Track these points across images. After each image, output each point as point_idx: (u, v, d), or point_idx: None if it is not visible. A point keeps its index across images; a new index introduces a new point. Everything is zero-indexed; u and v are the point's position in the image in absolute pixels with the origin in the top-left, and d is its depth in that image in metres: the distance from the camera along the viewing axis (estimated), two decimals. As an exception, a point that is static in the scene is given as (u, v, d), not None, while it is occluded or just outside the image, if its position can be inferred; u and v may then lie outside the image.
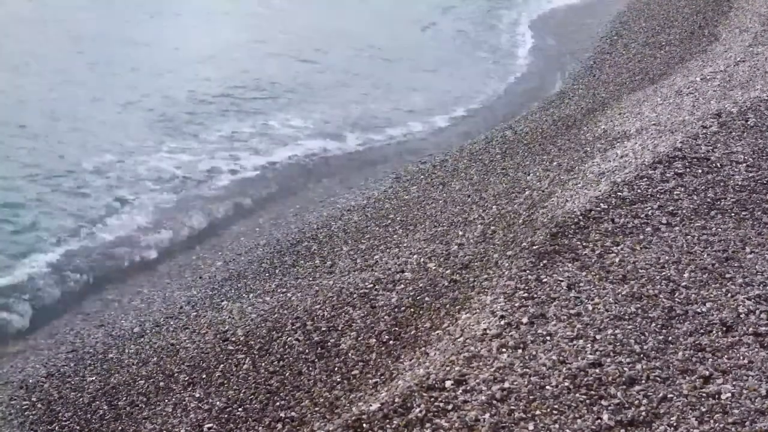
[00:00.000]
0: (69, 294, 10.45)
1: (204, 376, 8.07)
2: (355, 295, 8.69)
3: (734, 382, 5.76)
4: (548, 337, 6.29)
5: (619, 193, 8.83)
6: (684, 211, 8.40)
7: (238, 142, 15.30)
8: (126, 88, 17.74)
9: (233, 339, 8.53)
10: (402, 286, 8.62)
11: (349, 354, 7.62)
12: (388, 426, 5.57)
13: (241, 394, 7.57)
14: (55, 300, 10.28)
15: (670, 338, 6.30)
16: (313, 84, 19.13)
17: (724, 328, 6.42)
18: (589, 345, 6.18)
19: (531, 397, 5.63)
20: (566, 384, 5.75)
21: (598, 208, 8.51)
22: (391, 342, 7.56)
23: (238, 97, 17.79)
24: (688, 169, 9.38)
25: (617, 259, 7.47)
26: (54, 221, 11.79)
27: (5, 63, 18.66)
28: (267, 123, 16.34)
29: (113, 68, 19.03)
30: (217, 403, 7.55)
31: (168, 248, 11.78)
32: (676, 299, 6.82)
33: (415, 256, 9.39)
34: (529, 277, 7.24)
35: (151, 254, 11.46)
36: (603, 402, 5.58)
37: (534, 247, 7.83)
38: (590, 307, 6.70)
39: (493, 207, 10.44)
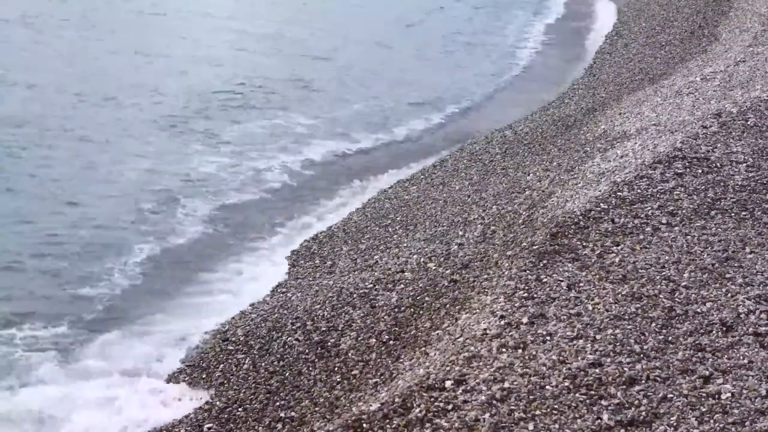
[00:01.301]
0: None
1: (204, 376, 8.07)
2: (355, 295, 8.69)
3: (734, 382, 5.76)
4: (548, 337, 6.29)
5: (619, 193, 8.83)
6: (684, 211, 8.40)
7: (260, 143, 15.15)
8: (134, 89, 17.69)
9: (233, 339, 8.53)
10: (402, 286, 8.62)
11: (349, 354, 7.62)
12: (388, 426, 5.57)
13: (241, 394, 7.57)
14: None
15: (670, 338, 6.30)
16: (320, 82, 19.17)
17: (724, 328, 6.42)
18: (589, 345, 6.18)
19: (531, 397, 5.63)
20: (566, 384, 5.74)
21: (598, 208, 8.50)
22: (391, 342, 7.56)
23: (248, 96, 17.81)
24: (688, 169, 9.37)
25: (617, 259, 7.47)
26: (115, 232, 11.33)
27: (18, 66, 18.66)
28: (282, 122, 16.34)
29: (122, 70, 19.03)
30: (217, 403, 7.55)
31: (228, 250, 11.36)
32: (676, 299, 6.82)
33: (415, 256, 9.39)
34: (529, 277, 7.24)
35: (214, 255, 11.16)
36: (603, 402, 5.58)
37: (534, 247, 7.83)
38: (590, 307, 6.70)
39: (493, 207, 10.43)
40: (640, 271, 7.26)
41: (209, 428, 7.23)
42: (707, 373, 5.87)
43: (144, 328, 9.16)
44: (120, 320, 9.33)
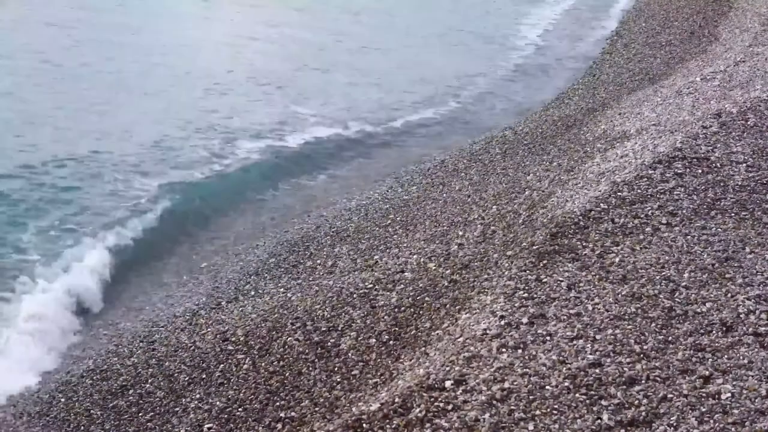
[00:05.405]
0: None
1: (204, 376, 8.07)
2: (355, 295, 8.69)
3: (734, 382, 5.76)
4: (548, 337, 6.29)
5: (619, 193, 8.83)
6: (684, 211, 8.40)
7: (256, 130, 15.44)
8: (141, 85, 17.90)
9: (233, 339, 8.52)
10: (402, 286, 8.62)
11: (349, 354, 7.62)
12: (388, 426, 5.57)
13: (241, 394, 7.57)
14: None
15: (670, 338, 6.29)
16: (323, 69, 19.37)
17: (724, 328, 6.42)
18: (589, 345, 6.18)
19: (531, 397, 5.63)
20: (566, 384, 5.74)
21: (598, 208, 8.50)
22: (391, 342, 7.56)
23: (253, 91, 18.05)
24: (688, 169, 9.37)
25: (617, 259, 7.47)
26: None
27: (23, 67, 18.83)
28: (282, 110, 16.56)
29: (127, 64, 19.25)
30: (217, 403, 7.55)
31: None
32: (676, 299, 6.82)
33: (415, 256, 9.39)
34: (529, 277, 7.24)
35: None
36: (603, 402, 5.58)
37: (534, 247, 7.83)
38: (590, 307, 6.70)
39: (493, 207, 10.43)
40: (640, 271, 7.25)
41: (209, 428, 7.23)
42: (707, 373, 5.87)
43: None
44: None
